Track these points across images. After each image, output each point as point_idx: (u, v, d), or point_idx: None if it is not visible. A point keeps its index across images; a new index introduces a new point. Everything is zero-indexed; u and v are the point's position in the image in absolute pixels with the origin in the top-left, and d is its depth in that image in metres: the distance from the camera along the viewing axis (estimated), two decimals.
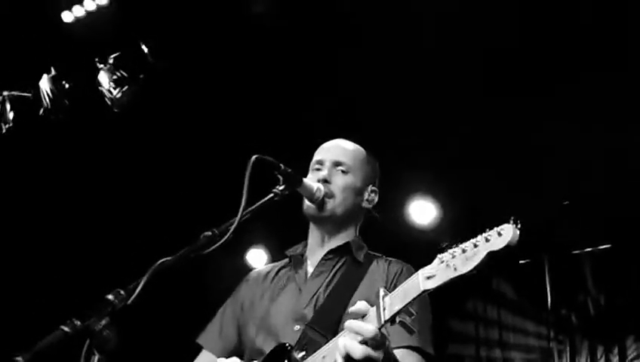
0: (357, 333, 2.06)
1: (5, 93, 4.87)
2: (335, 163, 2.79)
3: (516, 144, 5.40)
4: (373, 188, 2.88)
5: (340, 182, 2.75)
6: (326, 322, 2.49)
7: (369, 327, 2.04)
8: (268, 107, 5.08)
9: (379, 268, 2.69)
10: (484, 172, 5.57)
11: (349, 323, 2.08)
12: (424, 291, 1.96)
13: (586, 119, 5.08)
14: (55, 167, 5.50)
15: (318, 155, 2.86)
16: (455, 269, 1.89)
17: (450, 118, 5.27)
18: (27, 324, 4.44)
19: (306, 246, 2.83)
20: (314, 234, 2.81)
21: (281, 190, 2.43)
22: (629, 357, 6.12)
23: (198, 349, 2.83)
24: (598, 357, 6.22)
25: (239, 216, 2.19)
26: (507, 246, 1.80)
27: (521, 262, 6.66)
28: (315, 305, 2.59)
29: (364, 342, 2.05)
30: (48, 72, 4.74)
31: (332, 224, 2.76)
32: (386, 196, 2.93)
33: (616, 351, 6.16)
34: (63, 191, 5.66)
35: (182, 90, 4.98)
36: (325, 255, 2.74)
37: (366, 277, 2.64)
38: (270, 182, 2.44)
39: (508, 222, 1.82)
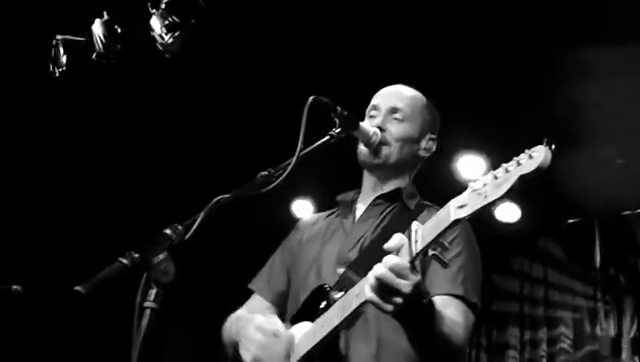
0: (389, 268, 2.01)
1: (59, 37, 4.91)
2: (391, 109, 2.74)
3: (569, 102, 5.26)
4: (432, 136, 2.83)
5: (394, 130, 2.70)
6: (368, 264, 2.43)
7: (400, 260, 2.00)
8: (327, 49, 5.01)
9: (430, 216, 2.66)
10: (536, 127, 5.44)
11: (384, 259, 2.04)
12: (455, 221, 1.90)
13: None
14: (108, 110, 5.56)
15: (374, 100, 2.81)
16: (486, 197, 1.81)
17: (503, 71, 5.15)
18: (86, 256, 4.53)
19: (358, 193, 2.81)
20: (367, 180, 2.78)
21: (338, 132, 2.41)
22: None
23: (245, 290, 2.87)
24: None
25: (296, 157, 2.18)
26: (538, 169, 1.72)
27: (569, 221, 6.57)
28: (360, 249, 2.57)
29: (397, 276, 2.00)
30: (101, 17, 4.75)
31: (385, 171, 2.72)
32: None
33: None
34: (116, 131, 5.73)
35: (234, 33, 4.94)
36: (374, 200, 2.71)
37: None
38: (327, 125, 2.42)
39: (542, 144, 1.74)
